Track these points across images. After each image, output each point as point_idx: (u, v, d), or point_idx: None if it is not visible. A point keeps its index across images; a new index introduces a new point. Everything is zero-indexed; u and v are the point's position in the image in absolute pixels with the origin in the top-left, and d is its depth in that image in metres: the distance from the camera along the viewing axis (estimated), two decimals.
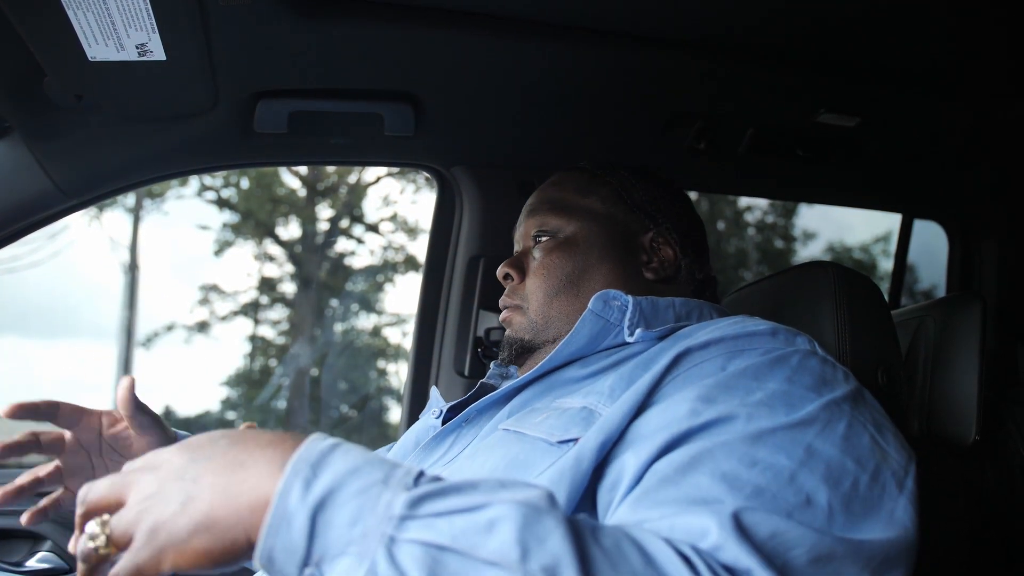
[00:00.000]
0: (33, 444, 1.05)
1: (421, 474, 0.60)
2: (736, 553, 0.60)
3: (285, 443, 0.62)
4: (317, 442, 0.61)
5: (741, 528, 0.62)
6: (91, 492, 0.64)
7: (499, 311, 1.19)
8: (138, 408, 1.07)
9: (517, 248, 1.24)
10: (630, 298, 1.01)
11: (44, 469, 1.08)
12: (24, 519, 1.04)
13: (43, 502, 1.07)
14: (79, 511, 0.65)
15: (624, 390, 0.87)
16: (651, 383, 0.83)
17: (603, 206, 1.18)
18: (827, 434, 0.74)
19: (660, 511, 0.66)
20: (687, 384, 0.81)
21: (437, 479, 0.60)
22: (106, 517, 0.62)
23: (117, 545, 0.61)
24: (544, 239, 1.17)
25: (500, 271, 1.19)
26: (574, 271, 1.13)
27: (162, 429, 1.11)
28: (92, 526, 0.62)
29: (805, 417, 0.74)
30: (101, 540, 0.61)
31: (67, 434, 1.08)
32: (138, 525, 0.60)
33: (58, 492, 1.08)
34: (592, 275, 1.13)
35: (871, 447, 0.75)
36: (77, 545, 0.63)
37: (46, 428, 1.06)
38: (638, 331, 0.98)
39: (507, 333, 1.17)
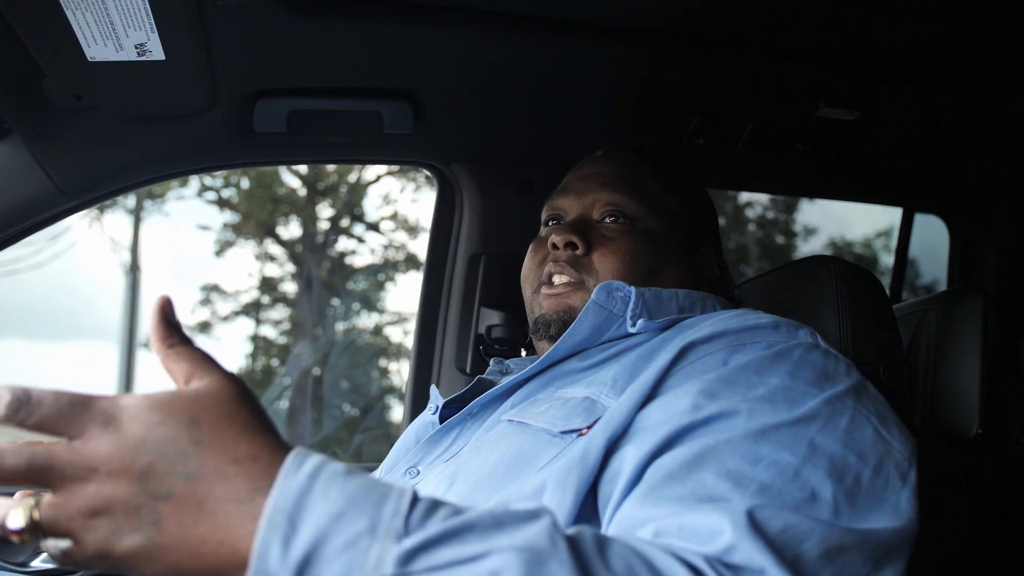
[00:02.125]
0: None
1: (413, 504, 0.53)
2: (750, 553, 0.60)
3: (254, 474, 0.53)
4: (292, 477, 0.53)
5: (753, 527, 0.61)
6: (5, 459, 0.53)
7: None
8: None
9: (568, 213, 1.18)
10: (633, 289, 1.01)
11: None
12: None
13: None
14: None
15: (627, 381, 0.88)
16: (656, 377, 0.82)
17: (679, 209, 1.18)
18: (829, 429, 0.74)
19: (667, 508, 0.66)
20: (689, 378, 0.81)
21: (430, 511, 0.54)
22: (32, 502, 0.54)
23: (42, 534, 0.54)
24: (620, 220, 1.13)
25: (561, 236, 1.11)
26: (654, 266, 1.11)
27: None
28: (16, 515, 0.54)
29: (807, 413, 0.74)
30: (19, 521, 0.54)
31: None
32: (81, 538, 0.53)
33: None
34: (666, 276, 1.12)
35: (874, 440, 0.75)
36: None
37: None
38: (640, 321, 0.98)
39: (558, 308, 1.10)
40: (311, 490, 0.52)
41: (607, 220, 1.14)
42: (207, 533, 0.52)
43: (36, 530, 0.54)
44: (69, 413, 0.54)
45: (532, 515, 0.56)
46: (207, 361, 0.60)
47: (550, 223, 1.22)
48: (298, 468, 0.53)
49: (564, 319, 1.08)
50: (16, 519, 0.54)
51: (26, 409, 0.54)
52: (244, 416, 0.57)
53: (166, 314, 0.62)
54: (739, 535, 0.60)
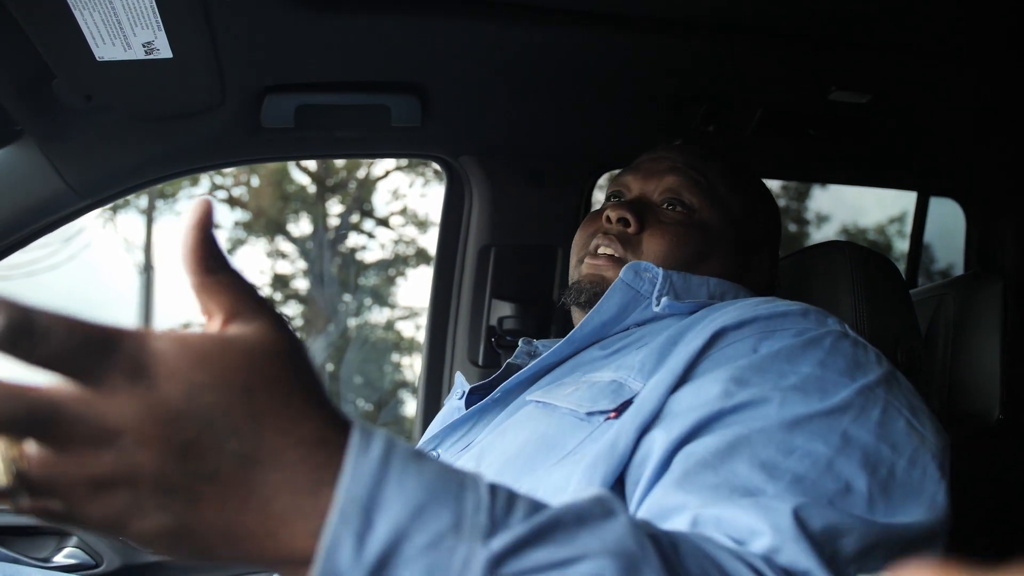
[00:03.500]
0: None
1: (493, 495, 0.47)
2: (795, 555, 0.59)
3: (321, 462, 0.44)
4: (363, 458, 0.44)
5: (799, 527, 0.60)
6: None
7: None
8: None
9: (630, 191, 1.20)
10: (660, 270, 1.01)
11: None
12: None
13: None
14: None
15: (655, 364, 0.87)
16: (687, 361, 0.82)
17: (742, 212, 1.18)
18: (862, 420, 0.73)
19: (701, 497, 0.65)
20: (719, 364, 0.81)
21: (510, 503, 0.48)
22: (14, 451, 0.42)
23: (27, 494, 0.42)
24: (678, 208, 1.15)
25: (616, 212, 1.12)
26: (700, 255, 1.12)
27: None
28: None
29: (840, 403, 0.74)
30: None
31: None
32: (81, 508, 0.42)
33: None
34: (710, 267, 1.12)
35: (907, 431, 0.74)
36: None
37: None
38: (665, 299, 0.98)
39: (593, 278, 1.11)
40: (386, 477, 0.44)
41: (666, 206, 1.15)
42: (256, 525, 0.43)
43: (18, 487, 0.42)
44: (86, 353, 0.41)
45: (608, 510, 0.50)
46: (255, 298, 0.48)
47: (612, 199, 1.23)
48: (367, 448, 0.45)
49: (595, 289, 1.09)
50: None
51: (28, 340, 0.40)
52: (304, 382, 0.47)
53: (206, 229, 0.48)
54: (782, 536, 0.59)
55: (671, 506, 0.67)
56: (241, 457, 0.43)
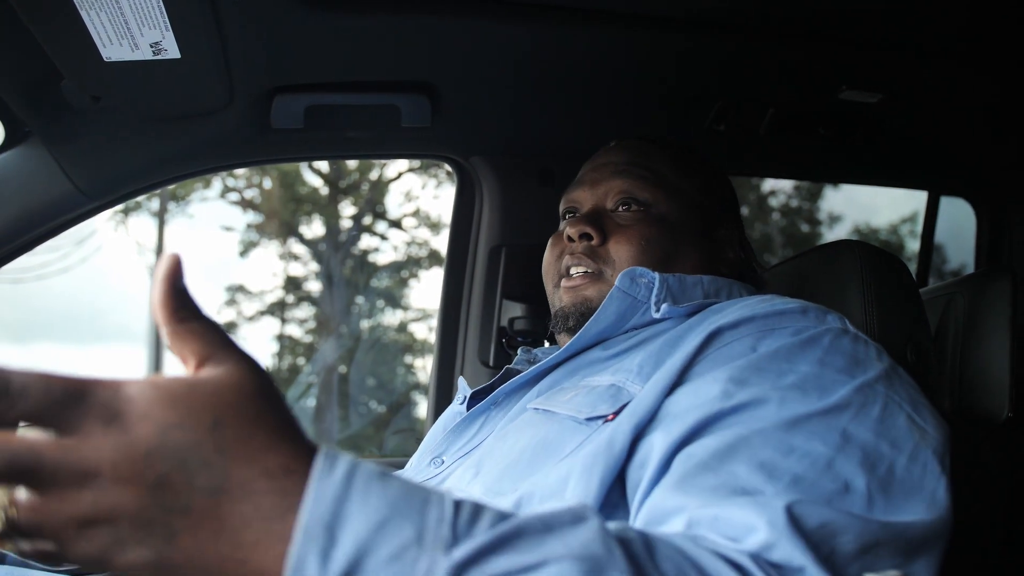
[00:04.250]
0: None
1: (457, 509, 0.49)
2: (790, 551, 0.58)
3: (288, 489, 0.46)
4: (326, 482, 0.47)
5: (792, 523, 0.60)
6: None
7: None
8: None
9: (583, 205, 1.19)
10: (656, 275, 1.00)
11: None
12: None
13: None
14: None
15: (654, 368, 0.87)
16: (683, 363, 0.82)
17: (695, 193, 1.17)
18: (862, 418, 0.73)
19: (699, 499, 0.65)
20: (718, 364, 0.80)
21: (475, 516, 0.49)
22: (6, 501, 0.45)
23: (19, 537, 0.46)
24: (633, 208, 1.13)
25: (575, 228, 1.11)
26: (671, 251, 1.11)
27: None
28: None
29: (839, 402, 0.73)
30: None
31: None
32: (71, 547, 0.45)
33: None
34: (683, 260, 1.11)
35: (908, 427, 0.74)
36: None
37: None
38: (665, 306, 0.97)
39: (575, 301, 1.11)
40: (348, 496, 0.47)
41: (620, 208, 1.14)
42: (229, 552, 0.46)
43: (11, 532, 0.45)
44: (62, 405, 0.45)
45: (579, 517, 0.52)
46: (224, 342, 0.51)
47: (567, 216, 1.22)
48: (331, 471, 0.47)
49: (582, 311, 1.09)
50: None
51: (6, 400, 0.44)
52: (271, 416, 0.49)
53: (175, 281, 0.50)
54: (777, 532, 0.59)
55: (669, 508, 0.66)
56: (211, 490, 0.46)
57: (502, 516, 0.50)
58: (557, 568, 0.48)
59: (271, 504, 0.46)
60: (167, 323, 0.50)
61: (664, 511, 0.67)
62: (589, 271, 1.11)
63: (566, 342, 1.09)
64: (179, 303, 0.50)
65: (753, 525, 0.60)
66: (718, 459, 0.68)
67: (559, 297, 1.14)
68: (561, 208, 1.24)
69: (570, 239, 1.12)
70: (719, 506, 0.63)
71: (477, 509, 0.50)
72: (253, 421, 0.48)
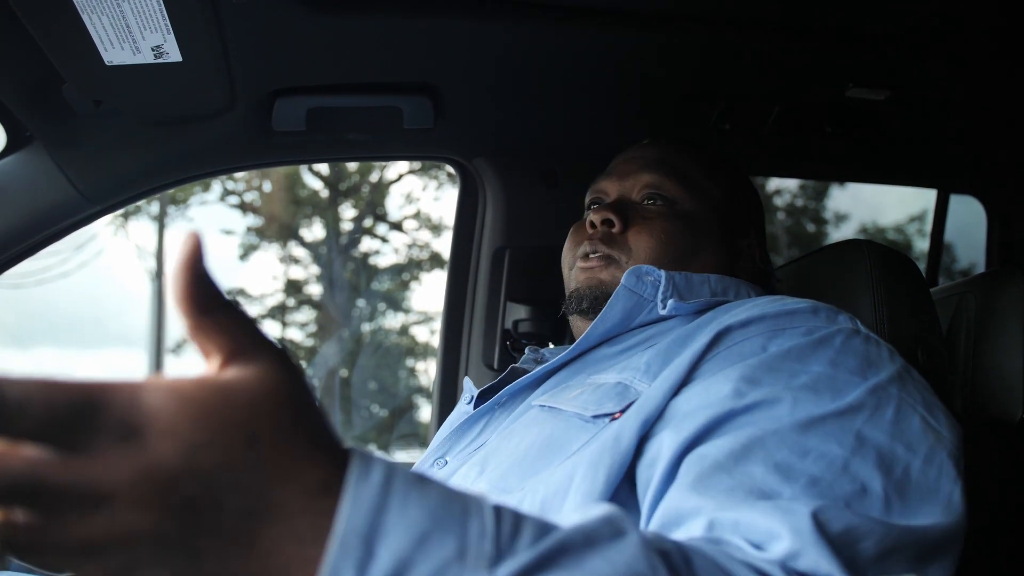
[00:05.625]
0: None
1: (498, 520, 0.45)
2: (815, 560, 0.57)
3: (326, 509, 0.42)
4: (362, 488, 0.42)
5: (818, 531, 0.59)
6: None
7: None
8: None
9: (609, 195, 1.20)
10: (663, 272, 1.00)
11: None
12: None
13: None
14: None
15: (661, 366, 0.86)
16: (691, 361, 0.81)
17: (723, 197, 1.18)
18: (876, 420, 0.72)
19: (717, 500, 0.64)
20: (728, 363, 0.80)
21: (516, 528, 0.46)
22: (1, 520, 0.40)
23: (14, 554, 0.40)
24: (659, 202, 1.15)
25: (599, 215, 1.12)
26: (691, 248, 1.12)
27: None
28: None
29: (852, 403, 0.73)
30: None
31: None
32: (78, 569, 0.40)
33: None
34: (700, 261, 1.12)
35: (922, 429, 0.73)
36: None
37: None
38: (671, 302, 0.97)
39: (590, 283, 1.11)
40: (387, 506, 0.42)
41: (646, 202, 1.15)
42: (259, 572, 0.41)
43: (10, 554, 0.40)
44: (69, 419, 0.38)
45: (618, 531, 0.49)
46: (255, 336, 0.45)
47: (592, 206, 1.23)
48: (367, 476, 0.43)
49: (595, 293, 1.10)
50: None
51: (1, 418, 0.37)
52: (308, 423, 0.44)
53: (196, 265, 0.43)
54: (802, 540, 0.58)
55: (686, 510, 0.66)
56: (244, 513, 0.41)
57: (543, 528, 0.47)
58: None
59: (307, 525, 0.41)
60: (189, 315, 0.44)
61: (681, 513, 0.66)
62: (604, 254, 1.11)
63: (578, 324, 1.12)
64: (203, 291, 0.43)
65: (776, 532, 0.59)
66: (733, 460, 0.68)
67: (574, 278, 1.15)
68: (587, 198, 1.26)
69: (592, 225, 1.13)
70: (738, 510, 0.62)
71: (518, 520, 0.46)
72: (290, 432, 0.43)
